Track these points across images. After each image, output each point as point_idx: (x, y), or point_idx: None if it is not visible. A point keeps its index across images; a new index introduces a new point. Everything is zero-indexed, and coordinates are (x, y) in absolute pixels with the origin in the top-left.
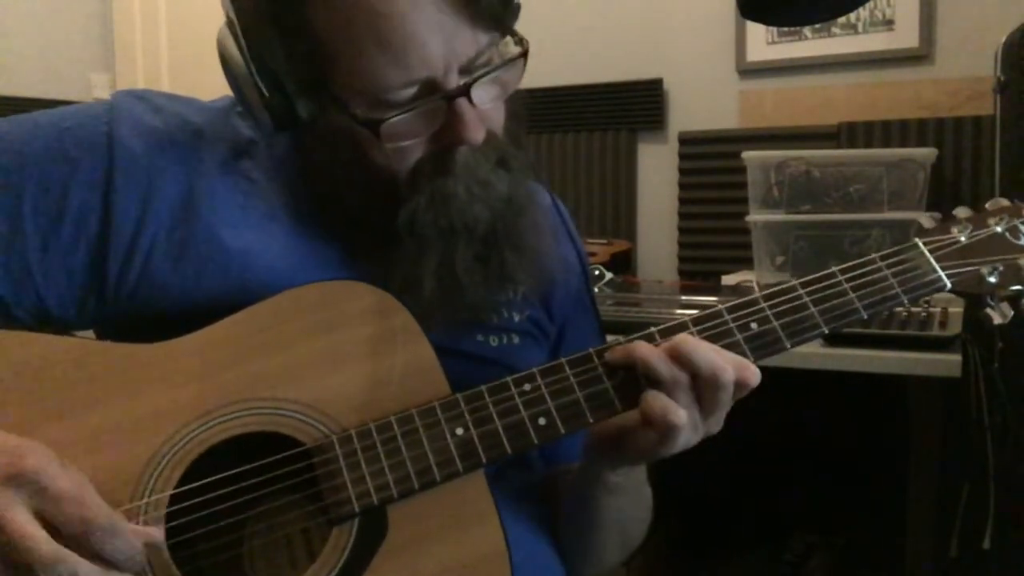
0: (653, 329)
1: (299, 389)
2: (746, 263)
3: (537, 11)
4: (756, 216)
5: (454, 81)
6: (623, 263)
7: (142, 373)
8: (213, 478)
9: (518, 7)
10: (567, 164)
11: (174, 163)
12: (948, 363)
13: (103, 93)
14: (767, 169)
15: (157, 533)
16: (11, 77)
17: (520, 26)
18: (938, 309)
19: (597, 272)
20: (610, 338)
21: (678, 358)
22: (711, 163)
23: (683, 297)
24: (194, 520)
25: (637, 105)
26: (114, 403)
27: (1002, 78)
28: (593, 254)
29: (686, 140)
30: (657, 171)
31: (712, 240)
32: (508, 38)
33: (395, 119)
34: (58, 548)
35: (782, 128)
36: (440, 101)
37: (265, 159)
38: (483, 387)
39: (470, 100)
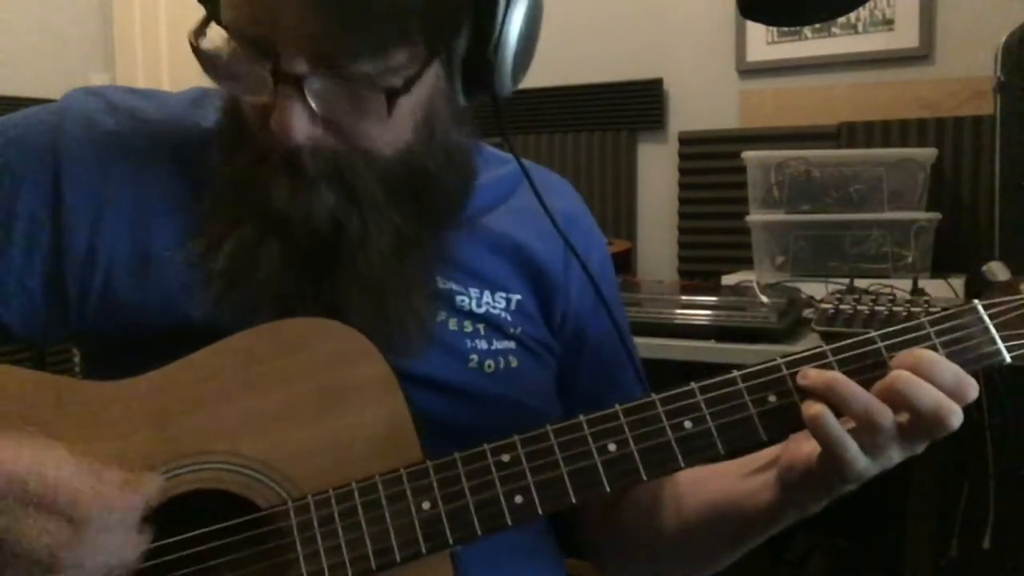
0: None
1: (258, 444)
2: (746, 263)
3: None
4: (756, 216)
5: (298, 67)
6: (623, 263)
7: (97, 418)
8: (158, 544)
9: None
10: (567, 164)
11: (127, 168)
12: None
13: None
14: (767, 169)
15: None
16: (11, 77)
17: None
18: (938, 309)
19: None
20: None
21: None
22: (711, 163)
23: (683, 297)
24: None
25: (637, 105)
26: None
27: (1002, 78)
28: None
29: (686, 140)
30: (657, 171)
31: (712, 240)
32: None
33: (210, 51)
34: None
35: (782, 128)
36: (264, 73)
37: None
38: (457, 455)
39: (303, 93)
